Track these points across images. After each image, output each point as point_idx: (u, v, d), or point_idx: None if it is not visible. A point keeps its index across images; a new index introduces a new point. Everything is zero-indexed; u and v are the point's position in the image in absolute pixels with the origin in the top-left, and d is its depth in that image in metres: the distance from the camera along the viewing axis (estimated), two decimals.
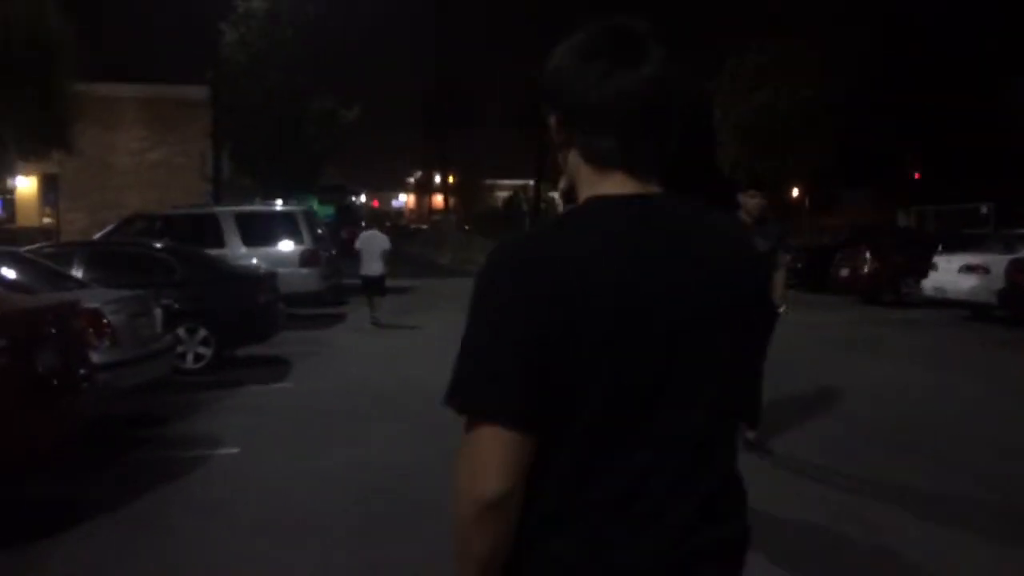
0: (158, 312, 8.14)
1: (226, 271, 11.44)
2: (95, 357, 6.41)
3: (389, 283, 15.18)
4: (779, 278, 6.25)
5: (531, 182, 49.40)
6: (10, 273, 7.76)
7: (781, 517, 5.03)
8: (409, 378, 9.49)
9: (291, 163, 23.72)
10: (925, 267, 16.19)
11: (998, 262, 14.23)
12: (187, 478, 6.06)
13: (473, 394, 1.29)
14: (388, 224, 28.71)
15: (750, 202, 6.25)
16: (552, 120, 1.44)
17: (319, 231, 16.14)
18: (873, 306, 17.42)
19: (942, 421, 7.68)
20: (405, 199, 74.45)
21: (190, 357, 10.08)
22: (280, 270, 12.64)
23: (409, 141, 57.25)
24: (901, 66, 29.01)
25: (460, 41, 48.77)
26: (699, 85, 22.46)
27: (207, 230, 14.27)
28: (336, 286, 16.64)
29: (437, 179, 65.40)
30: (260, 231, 14.76)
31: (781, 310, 6.18)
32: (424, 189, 70.21)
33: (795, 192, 31.15)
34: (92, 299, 7.16)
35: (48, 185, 26.45)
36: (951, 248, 16.24)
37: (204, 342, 10.20)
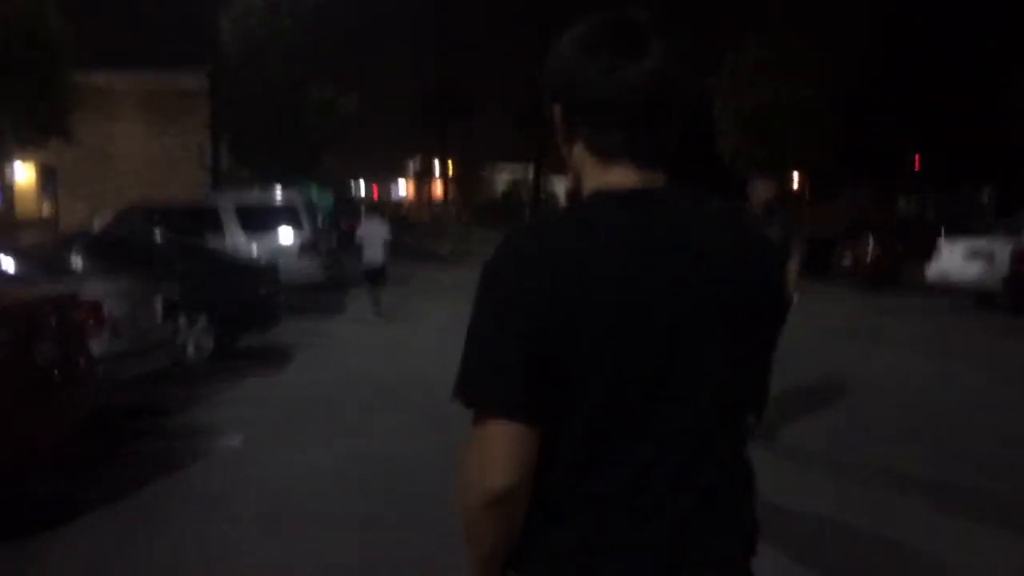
0: (158, 303, 8.09)
1: (226, 262, 11.40)
2: (95, 349, 6.37)
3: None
4: (792, 267, 6.15)
5: (530, 172, 49.34)
6: (9, 265, 7.72)
7: (787, 508, 4.99)
8: (410, 369, 9.46)
9: (290, 152, 23.64)
10: (928, 254, 16.15)
11: (1003, 249, 14.17)
12: (187, 470, 6.03)
13: (480, 388, 1.30)
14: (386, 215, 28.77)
15: (757, 192, 6.19)
16: (556, 113, 1.43)
17: (319, 221, 16.09)
18: (875, 294, 17.37)
19: (946, 410, 7.65)
20: (405, 190, 74.35)
21: (190, 348, 10.03)
22: (280, 261, 12.60)
23: (408, 130, 57.09)
24: (901, 63, 28.85)
25: (460, 31, 48.63)
26: (701, 75, 22.38)
27: (207, 221, 14.22)
28: (336, 276, 16.60)
29: (437, 170, 65.30)
30: (260, 222, 14.72)
31: (795, 300, 6.11)
32: (424, 178, 70.11)
33: (795, 183, 31.11)
34: (92, 290, 7.11)
35: (47, 176, 26.36)
36: (954, 235, 16.18)
37: (204, 333, 10.15)
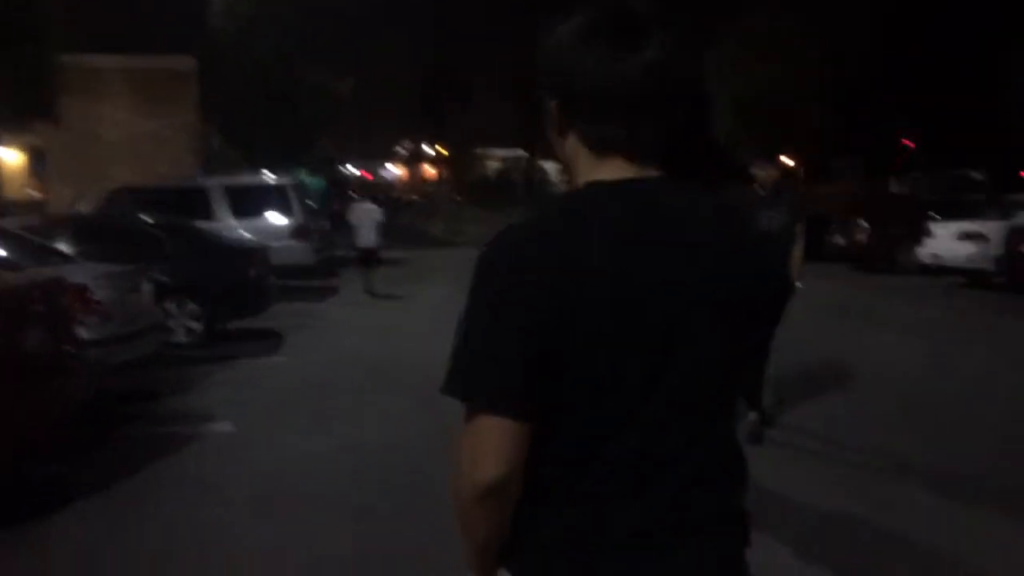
0: (147, 287, 8.01)
1: (217, 244, 11.29)
2: (84, 334, 6.29)
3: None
4: (797, 252, 6.04)
5: (524, 152, 49.18)
6: None
7: (786, 497, 4.97)
8: (403, 351, 9.40)
9: (282, 135, 23.46)
10: (921, 235, 16.14)
11: (996, 229, 14.18)
12: (179, 455, 5.98)
13: (471, 382, 1.30)
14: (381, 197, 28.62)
15: (761, 174, 6.07)
16: (551, 105, 1.41)
17: (310, 203, 15.98)
18: (869, 274, 17.35)
19: (945, 394, 7.62)
20: (397, 171, 74.03)
21: (181, 332, 9.96)
22: (271, 243, 12.50)
23: (402, 113, 56.62)
24: (895, 38, 28.74)
25: (457, 14, 48.04)
26: (700, 65, 22.23)
27: (196, 203, 14.08)
28: (328, 259, 16.50)
29: (429, 151, 64.99)
30: (250, 204, 14.59)
31: (798, 285, 6.03)
32: (415, 160, 69.77)
33: (790, 163, 31.03)
34: (79, 274, 7.02)
35: (35, 158, 26.12)
36: (947, 215, 16.16)
37: (195, 316, 10.08)
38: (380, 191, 31.95)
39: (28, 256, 7.74)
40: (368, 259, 14.71)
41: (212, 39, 22.70)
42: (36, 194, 26.30)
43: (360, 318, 12.42)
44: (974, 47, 27.79)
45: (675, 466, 1.33)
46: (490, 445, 1.27)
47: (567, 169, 1.45)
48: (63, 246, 9.42)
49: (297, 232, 14.54)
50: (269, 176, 16.02)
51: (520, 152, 50.55)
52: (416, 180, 68.67)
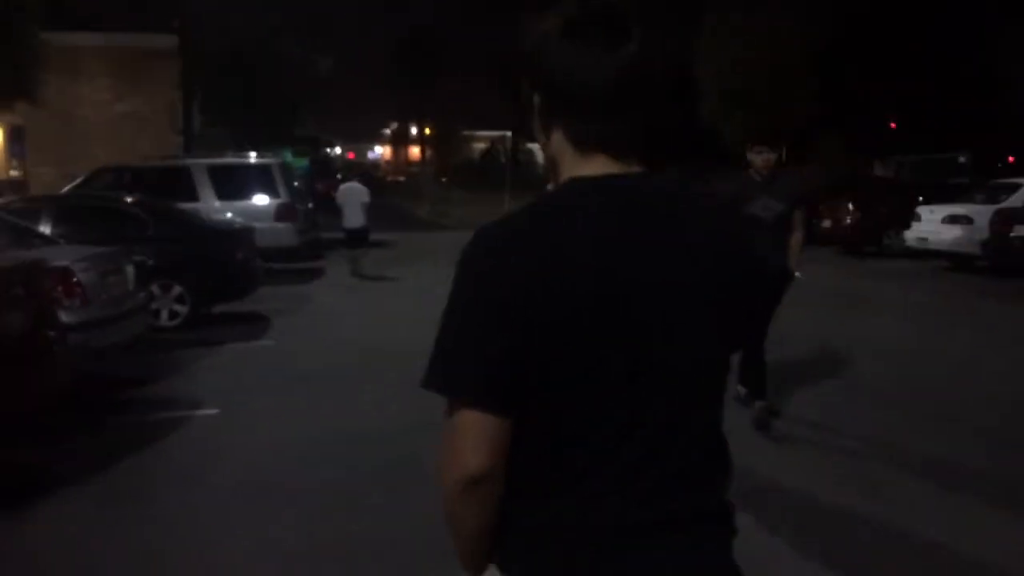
0: (130, 269, 7.84)
1: (201, 226, 11.11)
2: (65, 318, 6.16)
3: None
4: (795, 241, 5.89)
5: (508, 133, 48.91)
6: None
7: (780, 485, 4.94)
8: (391, 334, 9.29)
9: (265, 114, 23.19)
10: (907, 218, 16.15)
11: (982, 212, 14.21)
12: (165, 443, 5.86)
13: (451, 378, 1.32)
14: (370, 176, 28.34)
15: (758, 159, 5.87)
16: (535, 100, 1.42)
17: (295, 184, 15.78)
18: (855, 257, 17.37)
19: (938, 378, 7.61)
20: (381, 151, 73.63)
21: (164, 315, 9.82)
22: (256, 224, 12.32)
23: (385, 92, 56.21)
24: (877, 21, 28.67)
25: None
26: (682, 56, 22.11)
27: (179, 183, 13.87)
28: (313, 240, 16.33)
29: (413, 130, 64.66)
30: (234, 184, 14.38)
31: (797, 275, 5.88)
32: (400, 140, 69.41)
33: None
34: (60, 257, 6.88)
35: (14, 137, 25.72)
36: (933, 199, 16.18)
37: (179, 299, 9.93)
38: (364, 171, 31.62)
39: (7, 238, 7.57)
40: (355, 240, 14.57)
41: (192, 17, 22.35)
42: (15, 174, 25.93)
43: (347, 301, 12.30)
44: (959, 31, 27.80)
45: (658, 461, 1.34)
46: (471, 439, 1.30)
47: (551, 165, 1.45)
48: (43, 227, 9.26)
49: (282, 213, 14.35)
50: (253, 156, 15.79)
51: (506, 133, 50.29)
52: (401, 161, 68.33)
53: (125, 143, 24.22)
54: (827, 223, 18.22)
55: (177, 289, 9.89)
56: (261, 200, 14.35)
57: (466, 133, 57.29)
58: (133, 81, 26.24)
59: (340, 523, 4.51)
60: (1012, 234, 13.48)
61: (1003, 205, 14.11)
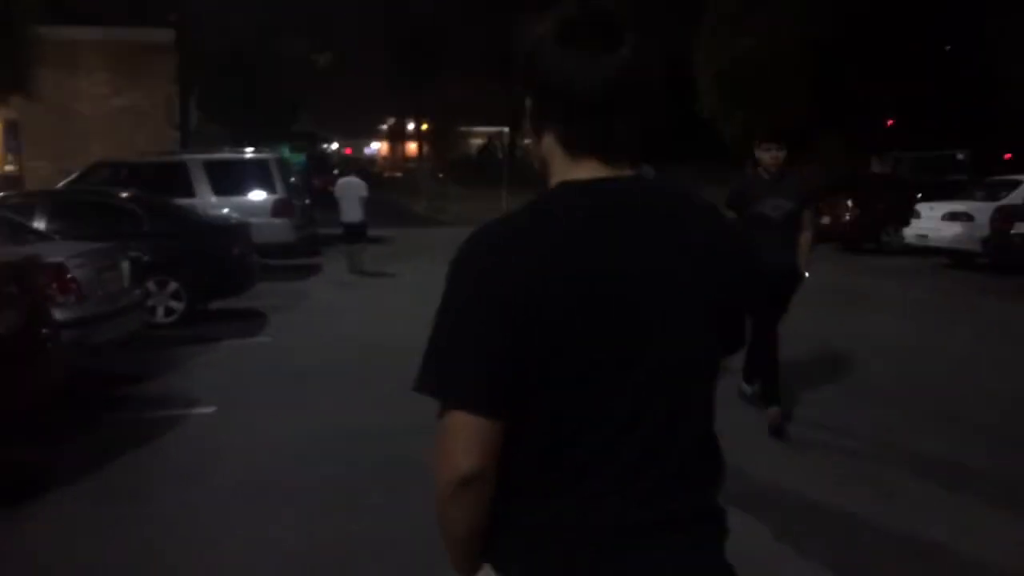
0: (126, 265, 7.77)
1: (197, 221, 11.04)
2: (60, 314, 6.09)
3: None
4: (805, 241, 5.76)
5: (506, 129, 48.79)
6: None
7: (780, 486, 4.89)
8: (389, 331, 9.22)
9: (262, 110, 23.09)
10: (905, 215, 16.10)
11: (982, 209, 14.17)
12: (162, 441, 5.80)
13: (443, 381, 1.33)
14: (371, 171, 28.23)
15: (766, 156, 5.69)
16: (527, 103, 1.43)
17: (292, 179, 15.70)
18: (853, 254, 17.31)
19: (938, 374, 7.57)
20: (378, 147, 73.47)
21: (160, 311, 9.75)
22: (252, 220, 12.25)
23: (383, 88, 56.00)
24: (875, 18, 28.60)
25: None
26: (665, 63, 22.10)
27: (176, 179, 13.79)
28: (310, 236, 16.25)
29: (411, 126, 64.51)
30: (231, 180, 14.29)
31: (807, 275, 5.79)
32: (397, 136, 69.26)
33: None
34: (55, 252, 6.81)
35: (10, 132, 25.59)
36: (932, 196, 16.13)
37: (175, 296, 9.86)
38: (361, 166, 31.50)
39: (1, 233, 7.50)
40: (353, 235, 14.49)
41: (190, 11, 22.25)
42: (10, 168, 25.80)
43: (345, 298, 12.24)
44: (957, 28, 27.75)
45: (657, 461, 1.35)
46: (463, 441, 1.30)
47: (540, 166, 1.45)
48: (38, 223, 9.18)
49: (279, 208, 14.27)
50: (250, 152, 15.70)
51: (503, 129, 50.18)
52: (398, 157, 68.24)
53: (122, 138, 24.13)
54: (826, 220, 18.14)
55: (173, 285, 9.82)
56: (258, 196, 14.26)
57: (463, 129, 57.18)
58: (130, 76, 26.12)
59: (340, 523, 4.46)
60: (1013, 231, 13.44)
61: (1003, 202, 14.07)
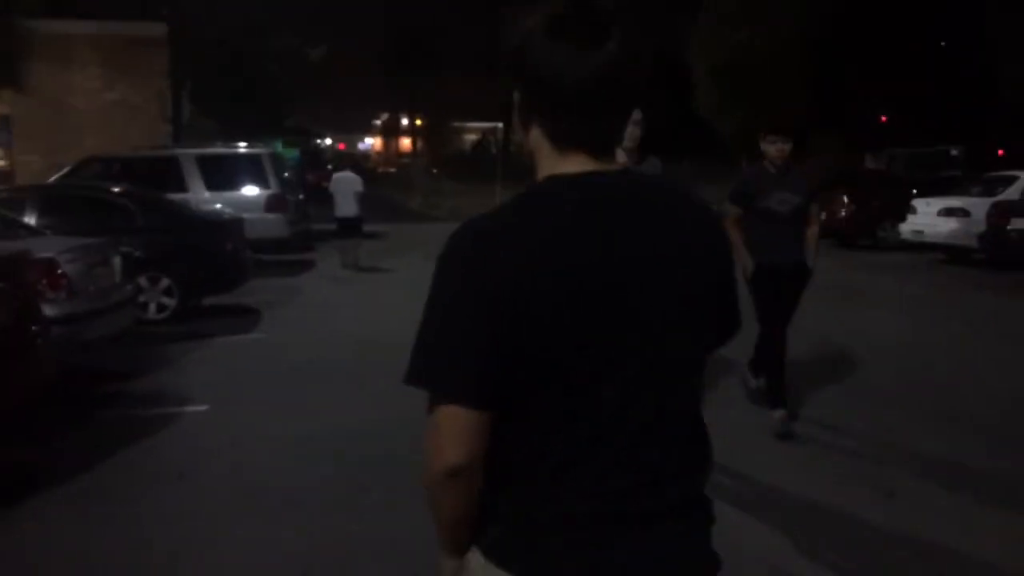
0: (117, 260, 7.68)
1: (190, 217, 10.93)
2: (50, 311, 6.00)
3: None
4: (812, 236, 5.64)
5: (499, 125, 48.70)
6: None
7: (781, 481, 4.84)
8: (384, 327, 9.13)
9: (255, 104, 22.95)
10: (901, 211, 16.08)
11: (978, 205, 14.14)
12: (155, 440, 5.72)
13: (431, 375, 1.34)
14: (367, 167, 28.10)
15: (772, 149, 5.54)
16: (515, 96, 1.44)
17: (285, 174, 15.60)
18: (850, 250, 17.28)
19: (936, 372, 7.53)
20: (372, 142, 73.26)
21: (153, 308, 9.65)
22: (245, 215, 12.15)
23: (378, 85, 55.77)
24: (870, 15, 28.57)
25: None
26: (655, 59, 22.07)
27: (168, 173, 13.68)
28: (304, 232, 16.15)
29: (404, 122, 64.32)
30: (224, 175, 14.19)
31: (814, 272, 5.68)
32: (391, 132, 69.05)
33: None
34: (45, 248, 6.72)
35: (0, 126, 25.41)
36: (927, 192, 16.10)
37: (167, 292, 9.77)
38: (355, 161, 31.36)
39: None
40: (347, 230, 14.41)
41: (182, 5, 22.10)
42: (1, 163, 25.62)
43: (339, 293, 12.16)
44: (950, 26, 27.75)
45: (639, 453, 1.36)
46: (451, 433, 1.32)
47: (530, 159, 1.46)
48: (29, 218, 9.08)
49: (272, 204, 14.17)
50: (244, 146, 15.59)
51: (497, 125, 50.10)
52: (392, 152, 68.07)
53: (114, 132, 23.94)
54: (822, 216, 18.15)
55: (165, 281, 9.73)
56: (251, 191, 14.17)
57: (457, 125, 57.04)
58: (123, 70, 25.91)
59: (338, 522, 4.39)
60: (1009, 227, 13.42)
61: (1000, 198, 14.04)
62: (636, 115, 4.72)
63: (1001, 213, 13.59)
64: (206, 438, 5.77)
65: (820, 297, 11.37)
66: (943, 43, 27.38)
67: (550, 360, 1.31)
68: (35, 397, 5.37)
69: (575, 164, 1.39)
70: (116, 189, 10.68)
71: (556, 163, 1.40)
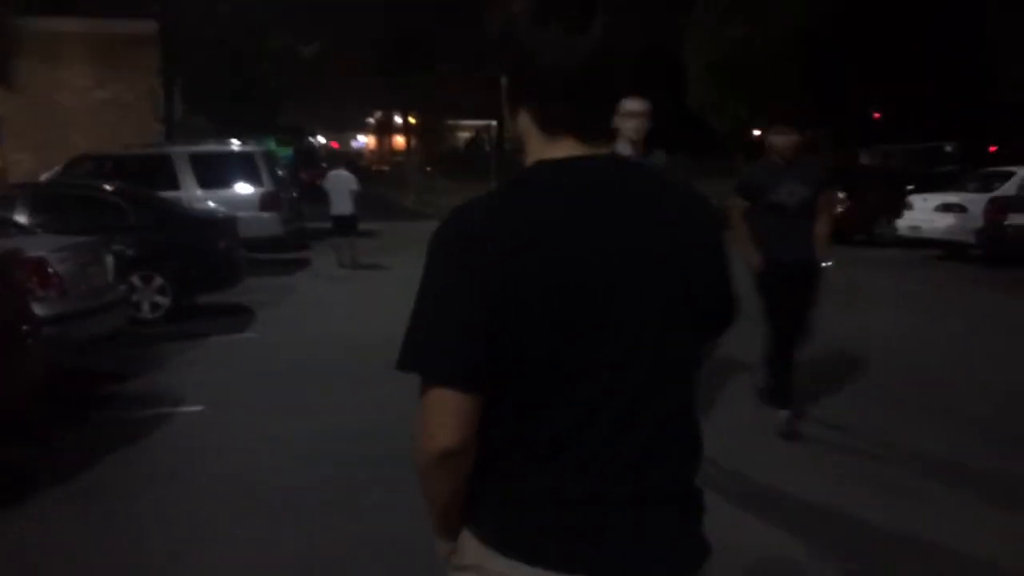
0: (110, 259, 7.58)
1: (182, 215, 10.83)
2: (41, 310, 5.90)
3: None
4: (823, 228, 5.46)
5: (493, 122, 48.61)
6: None
7: (781, 480, 4.78)
8: (379, 326, 8.95)
9: (248, 102, 22.82)
10: (897, 207, 16.03)
11: (975, 201, 14.10)
12: (149, 442, 5.63)
13: (423, 359, 1.35)
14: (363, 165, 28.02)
15: (779, 141, 5.39)
16: (503, 82, 1.45)
17: (279, 173, 15.50)
18: (845, 246, 17.20)
19: (941, 371, 7.45)
20: (365, 141, 73.10)
21: (146, 307, 9.55)
22: (239, 214, 12.05)
23: (370, 82, 55.61)
24: (865, 11, 28.55)
25: None
26: (643, 46, 22.02)
27: (160, 172, 13.56)
28: (298, 230, 16.05)
29: (398, 120, 64.18)
30: (217, 173, 14.08)
31: (825, 264, 5.48)
32: (384, 130, 68.91)
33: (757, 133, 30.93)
34: (36, 247, 6.62)
35: None
36: (923, 187, 16.06)
37: (161, 291, 9.66)
38: (350, 159, 31.23)
39: None
40: (343, 228, 14.33)
41: (174, 2, 21.97)
42: None
43: (333, 292, 12.07)
44: (945, 23, 27.73)
45: (626, 437, 1.36)
46: (443, 416, 1.33)
47: (520, 143, 1.47)
48: (19, 216, 8.96)
49: (266, 202, 14.07)
50: (236, 144, 15.48)
51: (491, 122, 50.01)
52: (385, 150, 67.94)
53: (105, 130, 23.79)
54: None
55: (158, 280, 9.62)
56: (245, 189, 14.07)
57: (450, 122, 56.93)
58: (114, 67, 25.77)
59: (338, 522, 4.32)
60: (1007, 222, 13.37)
61: (997, 193, 13.99)
62: (644, 107, 4.62)
63: (998, 209, 13.54)
64: (202, 438, 5.69)
65: (822, 294, 11.31)
66: (943, 43, 27.33)
67: (538, 344, 1.32)
68: (27, 398, 5.27)
69: (564, 149, 1.39)
70: (108, 187, 10.56)
71: (545, 148, 1.41)
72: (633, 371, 1.37)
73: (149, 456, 5.39)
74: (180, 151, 14.44)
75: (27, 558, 4.07)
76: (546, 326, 1.32)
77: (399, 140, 66.49)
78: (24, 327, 5.31)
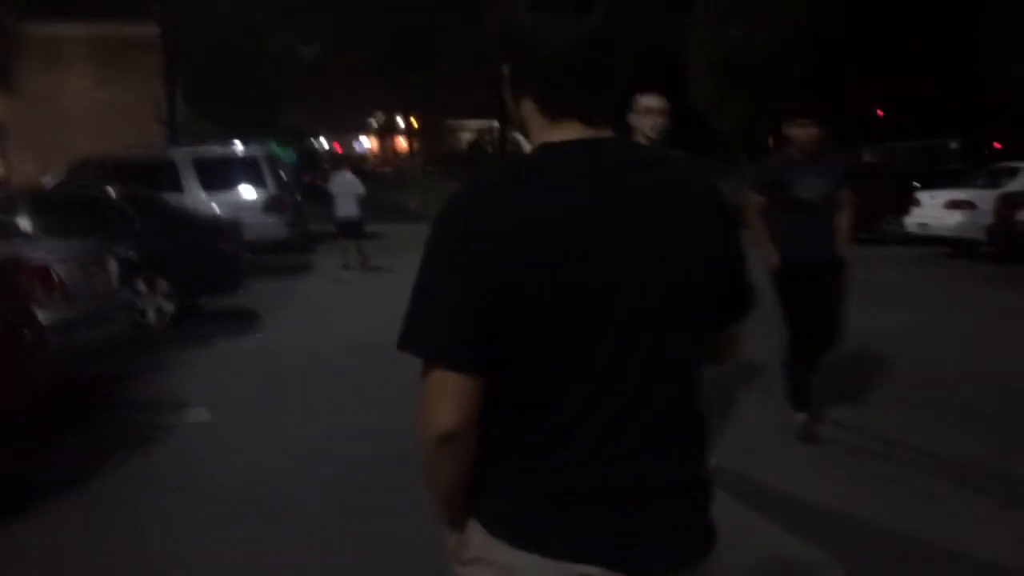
0: (113, 264, 7.51)
1: (186, 219, 10.77)
2: (45, 316, 5.82)
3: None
4: (843, 222, 5.31)
5: (495, 123, 48.59)
6: None
7: (787, 480, 4.71)
8: (384, 328, 8.83)
9: (250, 104, 22.77)
10: (904, 204, 15.93)
11: (984, 197, 13.99)
12: (154, 447, 5.55)
13: (424, 340, 1.34)
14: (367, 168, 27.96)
15: (801, 133, 5.22)
16: (505, 69, 1.44)
17: (282, 175, 15.44)
18: (853, 243, 17.12)
19: (948, 369, 7.36)
20: (368, 143, 73.13)
21: (151, 312, 9.48)
22: (243, 217, 11.99)
23: (374, 85, 55.66)
24: (866, 9, 28.44)
25: None
26: (641, 28, 21.95)
27: (164, 175, 13.50)
28: (302, 233, 15.99)
29: (400, 121, 64.26)
30: (221, 176, 14.02)
31: (845, 263, 5.35)
32: (387, 131, 68.96)
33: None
34: (40, 251, 6.55)
35: None
36: (929, 184, 15.96)
37: (165, 295, 9.59)
38: (356, 164, 31.23)
39: None
40: (349, 231, 14.26)
41: (174, 4, 21.93)
42: None
43: (337, 295, 12.00)
44: (947, 20, 27.62)
45: (628, 427, 1.35)
46: (444, 397, 1.33)
47: (525, 133, 1.46)
48: (22, 222, 8.89)
49: (270, 205, 14.02)
50: (240, 147, 15.43)
51: (493, 123, 50.02)
52: (388, 152, 67.97)
53: (108, 134, 23.75)
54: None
55: (163, 284, 9.55)
56: (248, 192, 14.02)
57: (452, 123, 56.96)
58: (116, 71, 25.76)
59: (348, 531, 4.24)
60: (1017, 218, 13.26)
61: (1007, 190, 13.87)
62: (662, 103, 4.49)
63: (1009, 205, 13.42)
64: (207, 442, 5.62)
65: None
66: (943, 43, 27.21)
67: (538, 329, 1.31)
68: (30, 404, 5.19)
69: (567, 132, 1.39)
70: (112, 191, 10.49)
71: (549, 132, 1.41)
72: (631, 365, 1.35)
73: (154, 461, 5.32)
74: (184, 155, 14.40)
75: (30, 564, 4.01)
76: (546, 311, 1.31)
77: (401, 142, 66.52)
78: (28, 333, 5.23)
